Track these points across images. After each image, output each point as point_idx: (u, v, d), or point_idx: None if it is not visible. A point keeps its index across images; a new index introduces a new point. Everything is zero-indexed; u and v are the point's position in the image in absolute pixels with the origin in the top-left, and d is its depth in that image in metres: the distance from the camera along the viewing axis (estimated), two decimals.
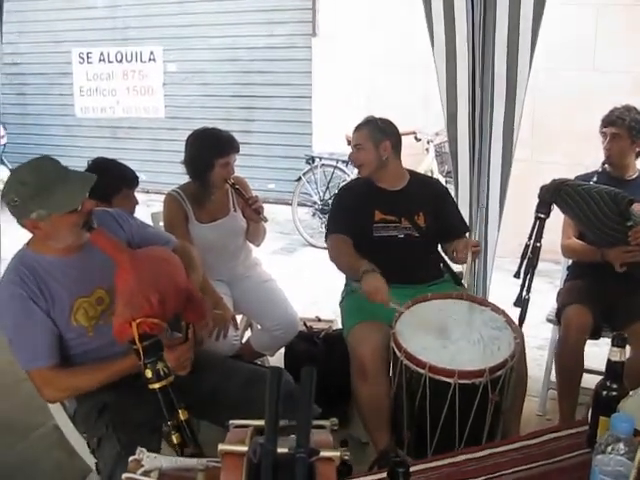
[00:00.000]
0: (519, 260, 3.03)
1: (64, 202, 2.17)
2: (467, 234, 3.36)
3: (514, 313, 2.86)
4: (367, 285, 2.79)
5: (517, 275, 3.04)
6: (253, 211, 3.40)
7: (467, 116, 3.54)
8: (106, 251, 2.18)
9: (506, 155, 3.56)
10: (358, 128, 3.25)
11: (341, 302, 3.36)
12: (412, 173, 3.38)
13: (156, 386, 2.03)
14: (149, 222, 3.39)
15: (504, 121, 3.50)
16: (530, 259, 2.96)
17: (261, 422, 1.37)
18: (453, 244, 3.18)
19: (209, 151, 3.28)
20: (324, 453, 1.34)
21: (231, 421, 1.48)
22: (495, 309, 2.78)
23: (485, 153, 3.55)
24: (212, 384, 2.46)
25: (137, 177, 3.14)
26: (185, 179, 3.44)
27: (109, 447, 2.20)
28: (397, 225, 3.17)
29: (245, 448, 1.36)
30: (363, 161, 3.21)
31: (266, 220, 3.47)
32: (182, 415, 2.06)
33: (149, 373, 2.02)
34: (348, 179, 6.73)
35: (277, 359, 3.69)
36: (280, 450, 1.32)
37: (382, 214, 3.17)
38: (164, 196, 3.45)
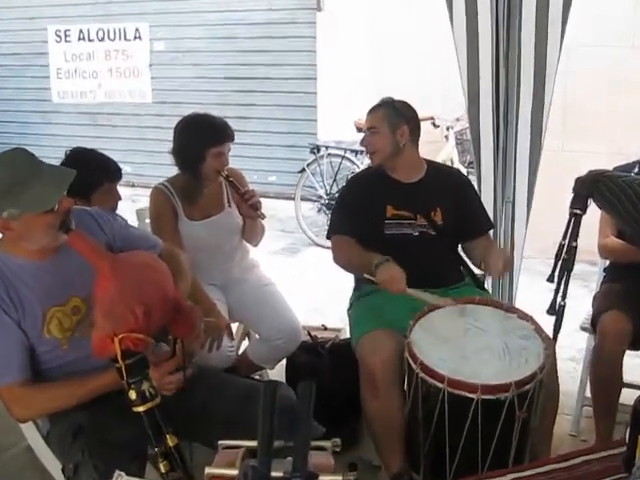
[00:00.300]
0: (552, 261, 3.02)
1: (39, 200, 2.16)
2: (491, 232, 3.35)
3: (545, 321, 2.85)
4: (382, 274, 2.83)
5: (551, 279, 3.03)
6: (249, 207, 3.40)
7: (490, 98, 3.53)
8: (84, 255, 2.17)
9: (535, 142, 3.55)
10: (373, 110, 3.27)
11: (349, 309, 3.36)
12: (430, 163, 3.38)
13: (141, 409, 2.01)
14: (133, 219, 3.40)
15: (532, 104, 3.48)
16: (565, 260, 2.94)
17: (254, 443, 1.36)
18: (475, 244, 3.17)
19: (200, 140, 3.28)
20: (324, 477, 1.34)
21: (220, 441, 1.48)
22: (523, 316, 2.78)
23: (511, 140, 3.54)
24: (203, 400, 2.45)
25: (120, 169, 3.14)
26: (174, 171, 3.44)
27: (85, 476, 2.20)
28: (412, 222, 3.18)
29: (235, 472, 1.36)
30: (377, 146, 3.22)
31: (264, 217, 3.47)
32: (170, 441, 2.04)
33: (133, 394, 2.01)
34: (357, 171, 6.72)
35: (277, 372, 3.69)
36: (274, 474, 1.32)
37: (395, 209, 3.18)
38: (150, 190, 3.46)
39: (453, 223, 3.23)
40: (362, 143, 3.36)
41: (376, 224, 3.17)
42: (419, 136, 3.31)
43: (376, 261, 2.87)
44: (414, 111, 3.30)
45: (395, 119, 3.19)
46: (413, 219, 3.18)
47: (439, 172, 3.37)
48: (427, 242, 3.17)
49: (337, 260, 3.19)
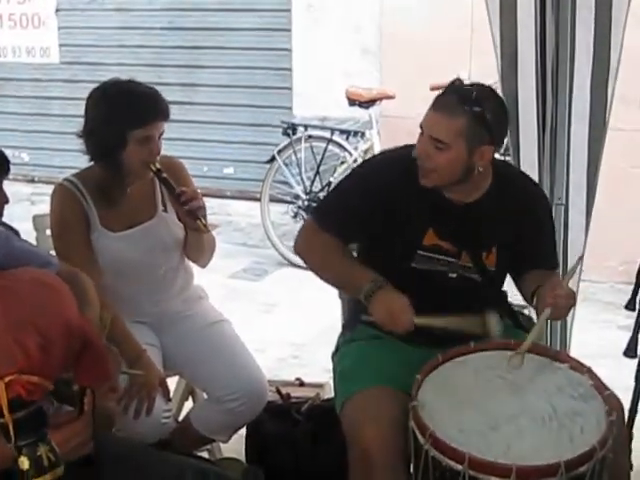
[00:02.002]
0: (623, 287, 3.03)
1: None
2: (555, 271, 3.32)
3: (609, 373, 2.84)
4: (378, 311, 2.84)
5: (630, 306, 3.03)
6: (187, 214, 3.40)
7: (534, 58, 3.56)
8: None
9: (597, 118, 3.59)
10: (445, 109, 2.95)
11: (335, 354, 3.35)
12: (498, 173, 3.19)
13: None
14: (30, 229, 3.39)
15: (593, 66, 3.52)
16: None
17: None
18: (527, 277, 3.18)
19: (119, 117, 3.25)
20: None
21: None
22: (577, 367, 2.78)
23: (562, 118, 3.58)
24: None
25: (7, 159, 3.11)
26: (88, 161, 3.43)
27: None
28: (452, 261, 3.13)
29: None
30: (438, 167, 3.00)
31: (207, 230, 3.44)
32: None
33: (25, 462, 1.98)
34: (350, 160, 6.74)
35: (234, 447, 3.70)
36: None
37: (437, 238, 3.11)
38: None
39: (508, 264, 3.21)
40: (415, 153, 3.06)
41: (405, 250, 3.12)
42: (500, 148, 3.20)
43: (366, 288, 2.87)
44: (505, 113, 3.10)
45: (480, 136, 2.94)
46: (456, 257, 3.13)
47: (508, 189, 3.20)
48: (466, 289, 3.15)
49: (301, 249, 3.25)
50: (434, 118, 2.95)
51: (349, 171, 3.52)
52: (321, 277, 3.19)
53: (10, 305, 2.09)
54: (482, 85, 3.04)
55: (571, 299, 2.94)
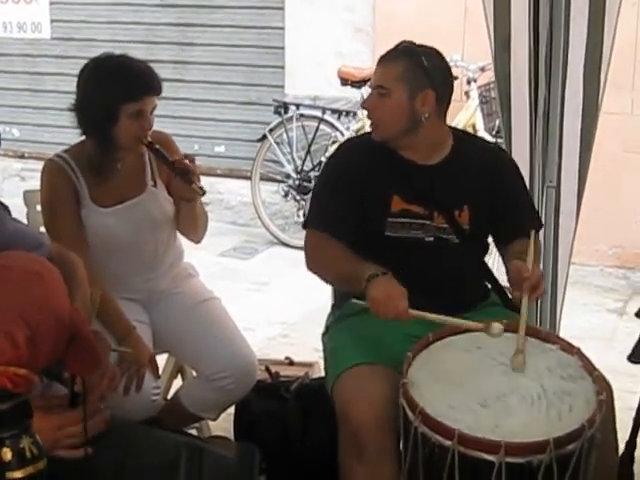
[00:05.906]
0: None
1: None
2: (533, 235, 3.33)
3: (600, 355, 2.85)
4: (376, 291, 2.78)
5: (634, 358, 3.03)
6: (180, 177, 3.36)
7: (527, 42, 3.56)
8: None
9: (589, 103, 3.59)
10: (388, 60, 3.15)
11: (325, 334, 3.36)
12: (457, 135, 3.33)
13: (17, 475, 2.00)
14: (20, 205, 3.38)
15: (586, 50, 3.52)
16: None
17: None
18: (510, 249, 3.18)
19: (111, 92, 3.24)
20: None
21: None
22: (567, 348, 2.79)
23: (555, 101, 3.57)
24: (109, 466, 2.43)
25: None
26: (78, 137, 3.43)
27: None
28: (426, 223, 3.15)
29: None
30: (385, 116, 3.12)
31: (203, 192, 3.40)
32: None
33: (8, 454, 1.98)
34: (341, 139, 6.72)
35: (223, 425, 3.71)
36: None
37: (404, 202, 3.14)
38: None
39: (484, 225, 3.23)
40: (363, 105, 3.27)
41: (375, 220, 3.15)
42: (449, 103, 3.22)
43: (369, 273, 2.83)
44: (447, 69, 3.21)
45: (418, 80, 3.06)
46: (428, 219, 3.15)
47: (470, 149, 3.31)
48: (445, 251, 3.17)
49: (312, 264, 3.18)
50: (378, 69, 3.15)
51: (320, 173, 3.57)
52: (328, 278, 3.21)
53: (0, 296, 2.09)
54: (427, 46, 3.18)
55: (539, 281, 2.96)
